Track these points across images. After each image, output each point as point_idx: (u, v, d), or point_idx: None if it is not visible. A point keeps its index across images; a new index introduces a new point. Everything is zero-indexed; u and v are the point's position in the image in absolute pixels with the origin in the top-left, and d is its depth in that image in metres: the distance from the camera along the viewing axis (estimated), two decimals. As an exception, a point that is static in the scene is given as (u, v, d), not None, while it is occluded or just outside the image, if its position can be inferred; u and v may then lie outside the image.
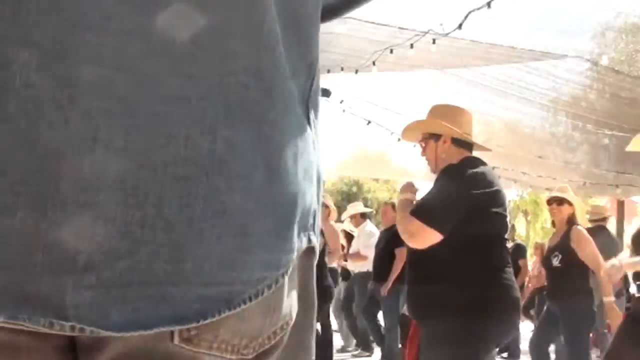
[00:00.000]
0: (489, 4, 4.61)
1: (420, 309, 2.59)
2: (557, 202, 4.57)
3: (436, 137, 2.67)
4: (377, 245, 6.65)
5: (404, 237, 2.52)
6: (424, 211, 2.48)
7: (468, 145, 2.69)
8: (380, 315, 6.75)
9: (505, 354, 7.67)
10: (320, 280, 4.61)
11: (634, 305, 2.82)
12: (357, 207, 7.75)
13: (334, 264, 6.66)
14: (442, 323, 2.44)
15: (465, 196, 2.45)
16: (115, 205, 0.52)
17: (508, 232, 2.62)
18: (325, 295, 4.79)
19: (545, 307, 4.83)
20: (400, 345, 5.44)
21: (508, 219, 2.60)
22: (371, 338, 7.22)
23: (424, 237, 2.44)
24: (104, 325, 0.52)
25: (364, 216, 7.55)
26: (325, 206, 6.55)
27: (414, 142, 2.89)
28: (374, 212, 13.17)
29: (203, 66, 0.56)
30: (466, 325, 2.40)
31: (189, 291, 0.55)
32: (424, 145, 2.73)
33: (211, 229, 0.55)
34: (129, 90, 0.53)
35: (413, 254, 2.76)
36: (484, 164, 2.62)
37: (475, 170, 2.52)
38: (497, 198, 2.53)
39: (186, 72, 0.55)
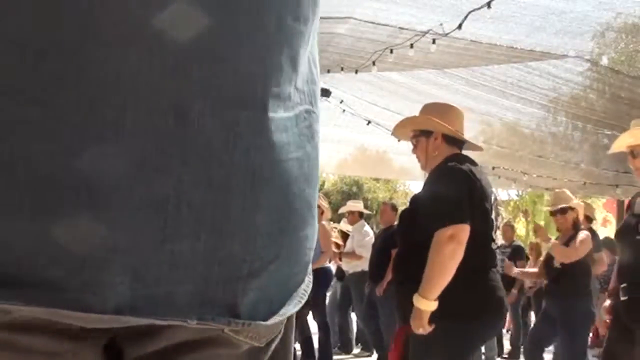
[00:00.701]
0: (489, 4, 4.61)
1: (406, 309, 2.56)
2: (560, 212, 4.61)
3: (427, 133, 2.66)
4: (374, 245, 6.62)
5: (448, 250, 2.36)
6: (438, 216, 2.41)
7: (459, 143, 2.68)
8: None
9: (505, 355, 7.68)
10: None
11: (619, 309, 2.80)
12: (357, 205, 7.71)
13: (327, 264, 6.58)
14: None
15: (464, 191, 2.45)
16: (266, 222, 0.65)
17: (494, 230, 2.60)
18: None
19: (543, 307, 4.82)
20: None
21: (494, 216, 2.58)
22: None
23: (461, 233, 2.37)
24: (259, 318, 0.66)
25: (361, 215, 7.53)
26: (317, 206, 6.49)
27: (405, 140, 2.87)
28: (374, 212, 13.17)
29: (299, 89, 0.69)
30: (451, 326, 2.40)
31: (292, 290, 0.70)
32: (415, 142, 2.72)
33: (305, 237, 0.71)
34: (274, 129, 0.65)
35: (399, 254, 2.76)
36: (471, 161, 2.61)
37: (462, 166, 2.51)
38: (486, 194, 2.53)
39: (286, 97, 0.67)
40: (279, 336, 0.73)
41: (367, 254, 6.75)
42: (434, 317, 2.41)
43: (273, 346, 0.72)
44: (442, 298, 2.40)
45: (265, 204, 0.64)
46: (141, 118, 0.57)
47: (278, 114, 0.65)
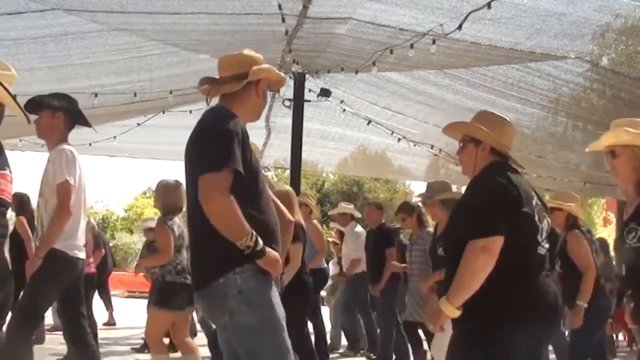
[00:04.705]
0: (489, 5, 4.61)
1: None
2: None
3: (477, 142, 2.69)
4: (367, 247, 6.58)
5: (479, 261, 2.38)
6: (471, 228, 2.44)
7: (504, 157, 2.71)
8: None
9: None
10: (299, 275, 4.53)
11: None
12: (347, 208, 7.68)
13: (324, 264, 6.53)
14: (471, 328, 2.43)
15: (497, 204, 2.47)
16: None
17: (540, 233, 2.54)
18: (303, 290, 4.65)
19: None
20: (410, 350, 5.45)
21: (537, 219, 2.54)
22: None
23: (492, 246, 2.40)
24: None
25: (352, 217, 7.51)
26: (305, 205, 6.35)
27: (455, 139, 2.88)
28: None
29: None
30: (496, 331, 2.39)
31: None
32: (462, 146, 2.75)
33: None
34: None
35: (448, 259, 2.71)
36: (512, 169, 2.64)
37: (499, 178, 2.54)
38: (524, 201, 2.52)
39: None
40: None
41: (362, 254, 6.77)
42: (470, 322, 2.42)
43: None
44: (474, 304, 2.40)
45: None
46: None
47: None
